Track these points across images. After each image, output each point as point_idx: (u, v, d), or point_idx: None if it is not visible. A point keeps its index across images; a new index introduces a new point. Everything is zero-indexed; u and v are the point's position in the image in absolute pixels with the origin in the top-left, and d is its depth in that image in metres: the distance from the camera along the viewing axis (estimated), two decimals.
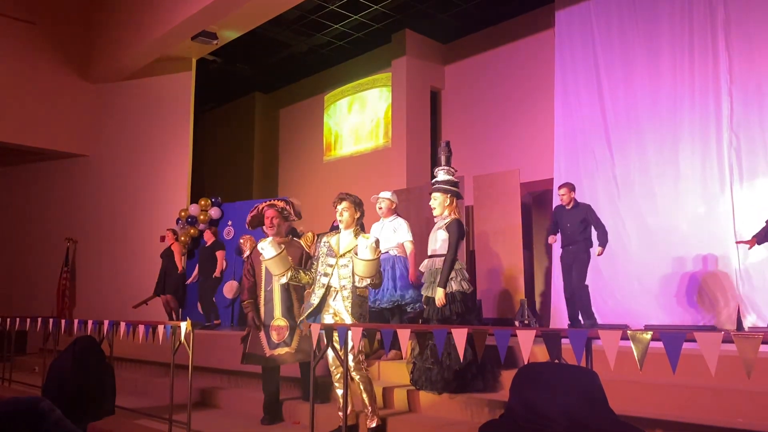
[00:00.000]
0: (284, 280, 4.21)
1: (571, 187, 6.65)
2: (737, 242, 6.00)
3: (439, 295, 4.34)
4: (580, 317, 6.48)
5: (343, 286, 4.10)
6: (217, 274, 8.34)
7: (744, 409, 3.24)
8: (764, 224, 5.81)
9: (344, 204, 4.23)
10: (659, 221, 7.75)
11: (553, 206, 8.89)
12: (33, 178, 11.98)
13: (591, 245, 6.46)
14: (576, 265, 6.38)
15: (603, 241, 6.43)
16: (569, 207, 6.60)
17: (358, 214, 4.27)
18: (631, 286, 7.75)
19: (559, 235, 6.75)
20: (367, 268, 3.94)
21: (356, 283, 4.05)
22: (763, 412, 3.18)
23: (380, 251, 4.10)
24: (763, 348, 2.02)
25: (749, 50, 7.28)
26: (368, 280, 3.99)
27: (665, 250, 7.63)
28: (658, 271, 7.59)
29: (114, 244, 10.95)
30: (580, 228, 6.46)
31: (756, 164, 7.10)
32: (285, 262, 4.16)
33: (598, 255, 6.48)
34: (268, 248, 4.12)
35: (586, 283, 6.51)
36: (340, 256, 4.15)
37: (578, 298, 6.34)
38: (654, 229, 7.77)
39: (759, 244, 5.75)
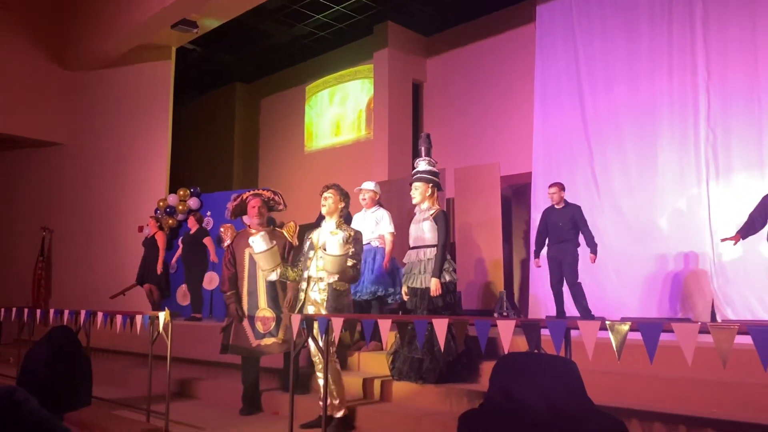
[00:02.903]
0: (273, 276, 4.18)
1: (561, 187, 6.62)
2: (722, 240, 6.01)
3: (435, 285, 4.34)
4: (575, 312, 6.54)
5: (320, 277, 4.12)
6: (213, 258, 8.19)
7: (718, 399, 3.30)
8: (747, 218, 5.82)
9: (330, 191, 4.28)
10: (637, 215, 7.84)
11: (532, 201, 9.00)
12: (7, 166, 11.75)
13: (579, 245, 6.48)
14: (567, 264, 6.37)
15: (593, 246, 6.40)
16: (559, 207, 6.60)
17: (342, 204, 4.31)
18: (608, 280, 7.84)
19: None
20: (332, 263, 3.92)
21: (325, 280, 4.06)
22: (737, 403, 3.25)
23: (350, 247, 4.08)
24: (737, 340, 2.05)
25: (727, 47, 7.38)
26: (336, 277, 3.99)
27: (643, 245, 7.73)
28: (635, 265, 7.69)
29: (91, 234, 10.80)
30: (570, 227, 6.45)
31: (731, 159, 7.21)
32: (275, 257, 4.14)
33: (592, 263, 6.45)
34: (259, 242, 4.07)
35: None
36: (319, 248, 4.17)
37: (574, 296, 6.37)
38: (631, 224, 7.87)
39: (743, 238, 5.76)
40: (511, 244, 10.00)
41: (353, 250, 4.13)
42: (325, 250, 4.00)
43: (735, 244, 5.83)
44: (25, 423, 1.92)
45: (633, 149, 8.00)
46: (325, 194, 4.30)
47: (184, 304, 9.06)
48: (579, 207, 6.62)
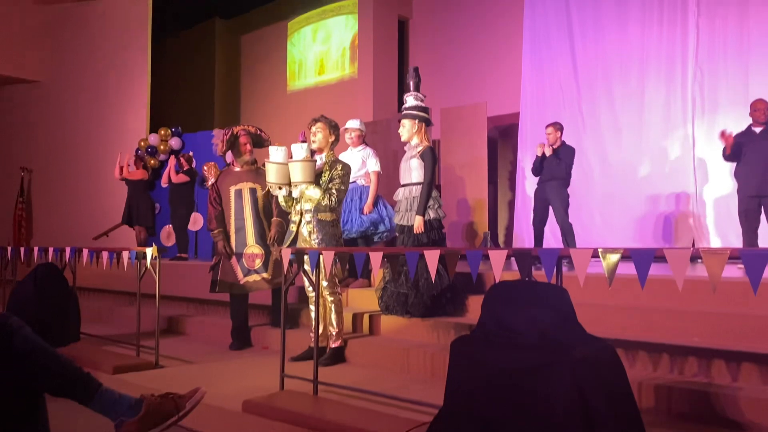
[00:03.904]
0: (282, 192, 4.07)
1: (557, 127, 6.47)
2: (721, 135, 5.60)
3: (418, 222, 4.35)
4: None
5: (307, 210, 4.10)
6: (164, 181, 8.29)
7: (700, 329, 3.39)
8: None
9: (318, 125, 4.19)
10: (622, 155, 7.87)
11: (519, 141, 8.98)
12: None
13: (569, 184, 6.37)
14: (558, 204, 6.30)
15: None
16: (557, 146, 6.44)
17: (333, 138, 4.23)
18: (592, 218, 7.93)
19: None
20: (297, 170, 3.88)
21: (312, 212, 4.07)
22: (716, 331, 3.34)
23: (314, 159, 4.04)
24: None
25: None
26: (309, 188, 3.97)
27: (627, 183, 7.79)
28: (619, 203, 7.77)
29: (71, 173, 10.64)
30: (562, 166, 6.31)
31: (717, 98, 7.22)
32: (286, 175, 4.00)
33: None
34: (280, 153, 3.96)
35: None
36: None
37: (564, 236, 6.36)
38: (616, 163, 7.91)
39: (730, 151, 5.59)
40: (497, 185, 10.03)
41: (338, 181, 4.08)
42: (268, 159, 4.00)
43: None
44: (18, 349, 1.92)
45: (620, 88, 7.96)
46: (313, 128, 4.20)
47: (168, 245, 9.02)
48: (572, 149, 6.49)
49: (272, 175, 3.99)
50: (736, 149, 5.59)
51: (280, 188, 4.04)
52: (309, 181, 3.93)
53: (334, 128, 4.25)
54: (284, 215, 4.60)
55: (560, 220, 6.32)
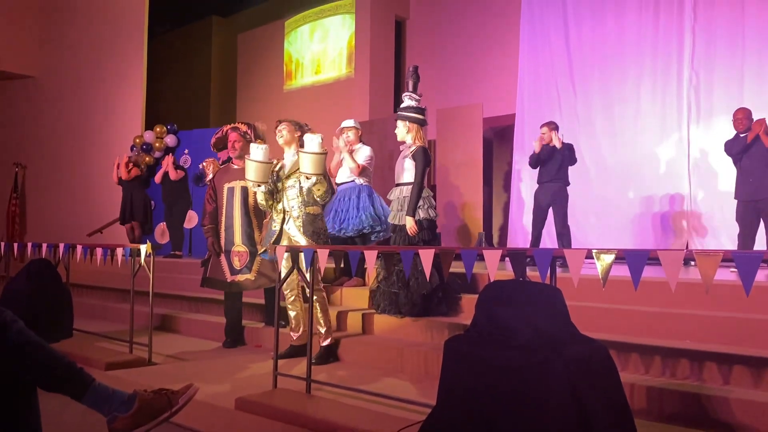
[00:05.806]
0: (261, 189, 4.15)
1: (552, 126, 6.48)
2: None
3: (410, 223, 4.35)
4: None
5: (292, 207, 4.16)
6: (158, 178, 8.29)
7: (692, 331, 3.40)
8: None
9: (282, 125, 4.33)
10: (617, 158, 7.90)
11: (515, 143, 9.00)
12: None
13: (569, 184, 6.41)
14: (558, 206, 6.33)
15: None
16: (552, 146, 6.41)
17: (299, 134, 4.33)
18: (587, 221, 7.96)
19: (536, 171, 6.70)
20: (311, 161, 3.88)
21: (301, 183, 4.10)
22: (708, 334, 3.36)
23: (325, 149, 4.05)
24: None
25: None
26: (314, 179, 3.97)
27: (622, 186, 7.82)
28: (614, 206, 7.80)
29: (66, 170, 10.60)
30: (558, 167, 6.34)
31: (712, 103, 7.25)
32: (266, 174, 4.10)
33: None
34: (260, 151, 4.01)
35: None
36: (285, 178, 4.24)
37: (561, 238, 6.37)
38: (612, 166, 7.93)
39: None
40: (492, 187, 10.04)
41: (327, 174, 4.16)
42: (302, 147, 4.00)
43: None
44: (12, 343, 1.92)
45: (616, 91, 7.99)
46: (279, 128, 4.34)
47: (162, 243, 9.00)
48: (571, 145, 6.50)
49: (251, 173, 4.05)
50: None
51: (258, 185, 4.12)
52: (321, 173, 3.96)
53: (299, 126, 4.38)
54: None
55: (559, 222, 6.33)
